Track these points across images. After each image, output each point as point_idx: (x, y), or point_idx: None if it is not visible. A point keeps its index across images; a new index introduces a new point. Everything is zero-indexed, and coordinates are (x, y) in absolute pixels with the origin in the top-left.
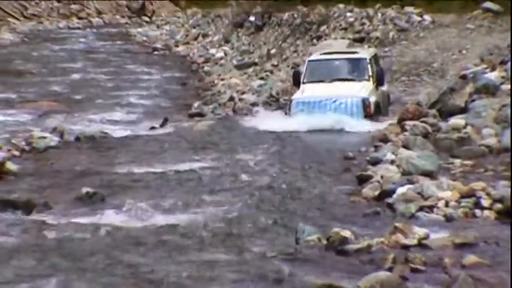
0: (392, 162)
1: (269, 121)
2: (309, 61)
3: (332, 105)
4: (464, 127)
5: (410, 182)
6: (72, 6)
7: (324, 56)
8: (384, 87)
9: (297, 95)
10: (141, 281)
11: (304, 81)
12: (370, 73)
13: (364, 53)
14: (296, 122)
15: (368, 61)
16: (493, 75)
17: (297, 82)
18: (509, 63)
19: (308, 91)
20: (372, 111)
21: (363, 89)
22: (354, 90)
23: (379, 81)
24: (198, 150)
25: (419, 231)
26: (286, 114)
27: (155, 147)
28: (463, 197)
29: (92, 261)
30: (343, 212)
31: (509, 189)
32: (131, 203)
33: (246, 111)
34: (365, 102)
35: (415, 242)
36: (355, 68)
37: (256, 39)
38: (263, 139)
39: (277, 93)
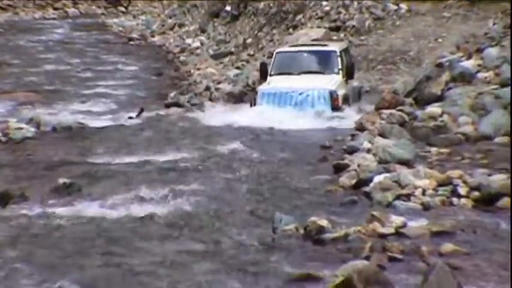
0: (369, 150)
1: (232, 114)
2: (277, 53)
3: (298, 97)
4: (441, 115)
5: (387, 171)
6: None
7: (292, 48)
8: (355, 82)
9: (263, 86)
10: (116, 271)
11: (272, 73)
12: (340, 66)
13: (334, 45)
14: (260, 117)
15: (338, 54)
16: (469, 64)
17: (264, 74)
18: (485, 51)
19: (274, 83)
20: (340, 103)
21: (331, 82)
22: (322, 83)
23: (349, 75)
24: (175, 140)
25: (397, 220)
26: (251, 106)
27: (132, 138)
28: (440, 185)
29: (69, 252)
30: (320, 201)
31: (486, 176)
32: (108, 193)
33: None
34: (332, 95)
35: (392, 230)
36: (324, 61)
37: (232, 28)
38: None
39: (253, 82)
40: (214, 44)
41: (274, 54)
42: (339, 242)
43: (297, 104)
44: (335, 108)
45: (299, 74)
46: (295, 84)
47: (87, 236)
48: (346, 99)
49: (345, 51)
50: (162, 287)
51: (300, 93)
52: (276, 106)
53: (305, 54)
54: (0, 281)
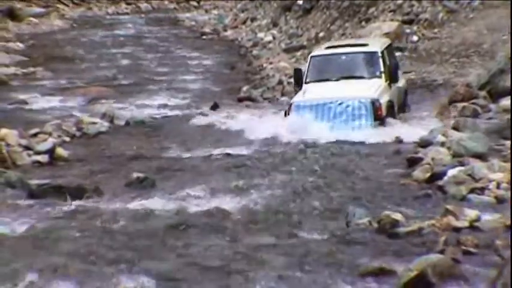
0: (442, 144)
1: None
2: (312, 57)
3: (338, 108)
4: None
5: (461, 164)
6: None
7: (328, 50)
8: (400, 83)
9: (298, 97)
10: (190, 266)
11: (307, 80)
12: (382, 69)
13: (375, 45)
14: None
15: (379, 55)
16: None
17: (298, 82)
18: None
19: (310, 92)
20: (384, 113)
21: (372, 88)
22: (362, 90)
23: (392, 78)
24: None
25: (471, 213)
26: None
27: (205, 132)
28: None
29: (142, 246)
30: (394, 195)
31: None
32: (181, 187)
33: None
34: (375, 104)
35: (466, 224)
36: (365, 64)
37: (304, 22)
38: None
39: None
40: (287, 37)
41: (308, 59)
42: (413, 235)
43: (336, 116)
44: (377, 119)
45: (337, 79)
46: (333, 94)
47: (161, 230)
48: (390, 108)
49: (388, 49)
50: (235, 282)
51: (340, 104)
52: (312, 119)
53: (343, 57)
54: (75, 274)
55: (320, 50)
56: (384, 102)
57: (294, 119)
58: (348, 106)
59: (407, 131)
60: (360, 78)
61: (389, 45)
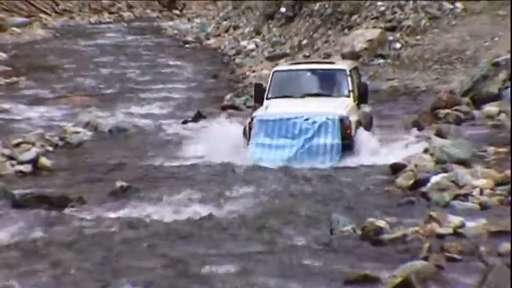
0: (425, 150)
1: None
2: (275, 72)
3: (303, 124)
4: (498, 114)
5: (445, 171)
6: (103, 1)
7: (293, 66)
8: (367, 108)
9: (260, 112)
10: (174, 273)
11: (269, 96)
12: (350, 87)
13: (343, 64)
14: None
15: (348, 73)
16: None
17: (259, 97)
18: None
19: (273, 107)
20: (352, 132)
21: (341, 106)
22: (330, 107)
23: (361, 98)
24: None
25: (455, 220)
26: (244, 135)
27: (188, 140)
28: (497, 184)
29: (127, 255)
30: (377, 202)
31: None
32: (165, 195)
33: None
34: (344, 122)
35: (450, 230)
36: (332, 82)
37: (287, 30)
38: None
39: None
40: (270, 45)
41: (271, 74)
42: (397, 242)
43: (301, 132)
44: (346, 138)
45: (302, 96)
46: (299, 109)
47: (145, 239)
48: (358, 128)
49: (355, 71)
50: None
51: (306, 119)
52: (276, 136)
53: (308, 74)
54: (58, 283)
55: (284, 66)
56: (353, 121)
57: (256, 136)
58: (314, 122)
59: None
60: (326, 96)
61: (356, 67)
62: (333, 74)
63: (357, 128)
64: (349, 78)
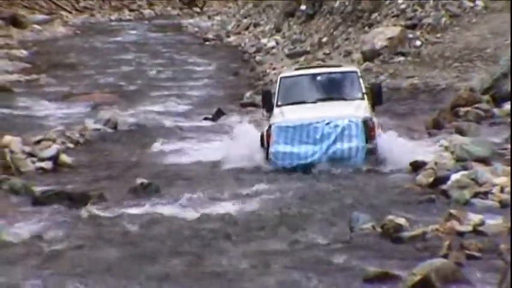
0: (446, 148)
1: None
2: (282, 78)
3: (325, 128)
4: None
5: (465, 168)
6: None
7: (301, 71)
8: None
9: (277, 119)
10: (194, 271)
11: (279, 103)
12: (364, 89)
13: (352, 66)
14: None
15: (359, 75)
16: None
17: (268, 105)
18: None
19: (290, 113)
20: (376, 135)
21: (360, 108)
22: (350, 110)
23: (375, 100)
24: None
25: (475, 218)
26: (262, 146)
27: (209, 138)
28: None
29: (147, 252)
30: (397, 200)
31: None
32: (184, 193)
33: None
34: (368, 123)
35: (470, 228)
36: (344, 85)
37: (307, 27)
38: None
39: None
40: (290, 43)
41: (278, 80)
42: (417, 240)
43: (323, 137)
44: (370, 140)
45: (314, 102)
46: (318, 114)
47: (165, 236)
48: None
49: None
50: (239, 287)
51: (327, 124)
52: (296, 142)
53: (318, 78)
54: (78, 279)
55: (291, 71)
56: (376, 123)
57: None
58: (336, 126)
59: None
60: (340, 100)
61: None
62: (344, 76)
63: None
64: (361, 80)
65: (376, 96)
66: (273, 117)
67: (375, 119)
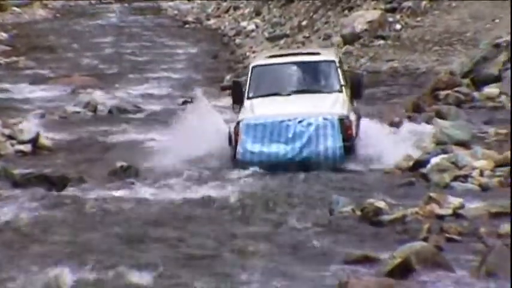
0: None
1: None
2: (254, 67)
3: (298, 126)
4: (498, 96)
5: (445, 152)
6: None
7: (274, 59)
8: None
9: (245, 115)
10: (174, 254)
11: (250, 95)
12: (342, 81)
13: (329, 54)
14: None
15: (337, 64)
16: None
17: (238, 97)
18: None
19: (260, 108)
20: (353, 133)
21: (337, 104)
22: (326, 106)
23: (354, 93)
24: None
25: (454, 201)
26: (230, 144)
27: (185, 122)
28: (497, 165)
29: (126, 235)
30: (377, 183)
31: None
32: (164, 176)
33: None
34: (344, 122)
35: (450, 211)
36: (321, 75)
37: (287, 11)
38: None
39: None
40: (270, 26)
41: (250, 69)
42: (397, 223)
43: (295, 136)
44: (347, 140)
45: (288, 94)
46: (290, 110)
47: (145, 219)
48: (358, 127)
49: (341, 61)
50: (221, 270)
51: (300, 122)
52: (267, 141)
53: (293, 67)
54: (58, 263)
55: (263, 59)
56: (353, 119)
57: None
58: (309, 124)
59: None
60: (316, 93)
61: (340, 59)
62: (320, 66)
63: (356, 128)
64: (339, 71)
65: (355, 89)
66: (242, 113)
67: (352, 115)
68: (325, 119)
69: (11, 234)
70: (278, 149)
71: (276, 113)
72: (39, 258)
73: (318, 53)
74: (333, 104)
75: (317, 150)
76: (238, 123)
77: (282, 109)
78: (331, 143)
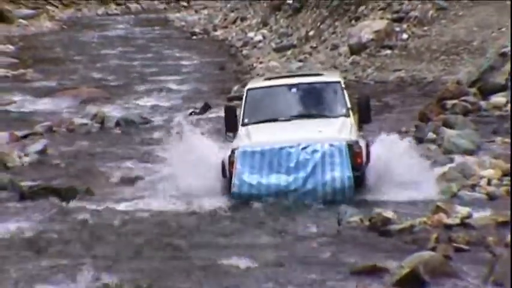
0: (433, 141)
1: None
2: (249, 90)
3: (301, 154)
4: (505, 105)
5: (452, 161)
6: None
7: (272, 81)
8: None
9: (241, 142)
10: (179, 264)
11: (245, 121)
12: (349, 104)
13: (334, 75)
14: None
15: (343, 86)
16: None
17: (232, 124)
18: None
19: (257, 134)
20: (364, 161)
21: (344, 129)
22: (332, 131)
23: (363, 117)
24: None
25: (462, 210)
26: (224, 176)
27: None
28: (505, 174)
29: (133, 246)
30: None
31: None
32: (170, 188)
33: None
34: (353, 148)
35: (457, 221)
36: (325, 98)
37: (294, 21)
38: None
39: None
40: (277, 37)
41: (245, 93)
42: (405, 233)
43: (298, 165)
44: (356, 168)
45: (288, 119)
46: (291, 136)
47: (152, 230)
48: (368, 155)
49: (345, 83)
50: (230, 281)
51: (303, 148)
52: (266, 171)
53: (293, 90)
54: (66, 274)
55: (259, 82)
56: (363, 146)
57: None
58: (315, 151)
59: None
60: (320, 117)
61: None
62: (324, 88)
63: (367, 155)
64: (346, 93)
65: (363, 113)
66: (236, 140)
67: (362, 141)
68: (331, 145)
69: (18, 246)
70: (279, 180)
71: (276, 139)
72: (45, 270)
73: (320, 74)
74: (339, 129)
75: (323, 181)
76: (233, 151)
77: (282, 135)
78: (340, 172)
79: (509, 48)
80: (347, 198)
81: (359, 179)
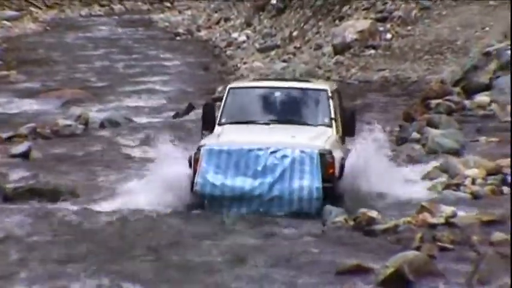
0: (417, 141)
1: None
2: (231, 89)
3: (270, 158)
4: (489, 104)
5: (436, 161)
6: None
7: (255, 83)
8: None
9: (209, 140)
10: (166, 266)
11: (222, 120)
12: (333, 115)
13: (322, 83)
14: None
15: (329, 95)
16: None
17: (209, 122)
18: None
19: (227, 134)
20: (337, 172)
21: (321, 137)
22: (307, 138)
23: (347, 129)
24: None
25: (447, 210)
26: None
27: (180, 133)
28: (489, 174)
29: (118, 248)
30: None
31: None
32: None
33: None
34: (325, 158)
35: (442, 220)
36: (308, 106)
37: (278, 21)
38: None
39: (300, 75)
40: (261, 37)
41: (226, 92)
42: (389, 233)
43: (265, 170)
44: (328, 180)
45: (267, 123)
46: (263, 139)
47: (137, 232)
48: (343, 168)
49: (337, 93)
50: (215, 282)
51: (272, 152)
52: (231, 173)
53: (277, 94)
54: (50, 276)
55: (242, 82)
56: (338, 158)
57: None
58: (284, 157)
59: None
60: (300, 124)
61: (338, 91)
62: (309, 95)
63: (341, 169)
64: (331, 102)
65: (347, 125)
66: (206, 138)
67: (338, 152)
68: (302, 151)
69: (1, 248)
70: (244, 183)
71: (246, 140)
72: (29, 272)
73: (308, 81)
74: (316, 137)
75: (291, 189)
76: (199, 148)
77: (253, 137)
78: (309, 181)
79: (493, 47)
80: (314, 210)
81: (329, 191)
